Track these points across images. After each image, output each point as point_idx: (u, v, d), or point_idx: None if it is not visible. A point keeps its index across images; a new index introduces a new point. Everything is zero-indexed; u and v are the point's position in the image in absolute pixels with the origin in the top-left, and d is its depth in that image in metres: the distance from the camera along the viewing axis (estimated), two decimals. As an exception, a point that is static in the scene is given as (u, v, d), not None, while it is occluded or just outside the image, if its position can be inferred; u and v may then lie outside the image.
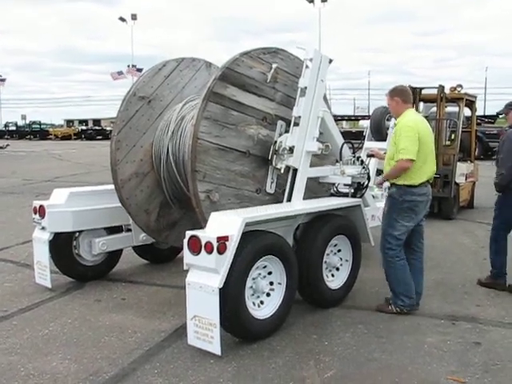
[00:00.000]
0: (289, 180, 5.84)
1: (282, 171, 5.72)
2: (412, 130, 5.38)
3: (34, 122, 71.26)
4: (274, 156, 5.68)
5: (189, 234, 4.57)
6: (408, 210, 5.53)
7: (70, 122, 79.64)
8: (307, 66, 5.85)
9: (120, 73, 62.14)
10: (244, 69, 5.48)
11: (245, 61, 5.49)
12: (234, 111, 5.42)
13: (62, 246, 6.47)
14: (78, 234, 6.60)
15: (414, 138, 5.34)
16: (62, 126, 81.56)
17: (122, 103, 6.17)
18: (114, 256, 6.98)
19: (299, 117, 5.75)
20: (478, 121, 26.16)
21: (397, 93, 5.68)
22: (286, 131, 5.85)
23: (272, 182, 5.82)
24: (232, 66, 5.39)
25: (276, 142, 5.73)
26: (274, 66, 5.76)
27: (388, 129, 7.61)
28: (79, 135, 65.57)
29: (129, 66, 63.91)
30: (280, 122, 5.89)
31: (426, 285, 6.43)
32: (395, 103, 5.68)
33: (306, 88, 5.80)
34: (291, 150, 5.72)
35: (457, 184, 11.29)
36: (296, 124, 5.77)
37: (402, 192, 5.52)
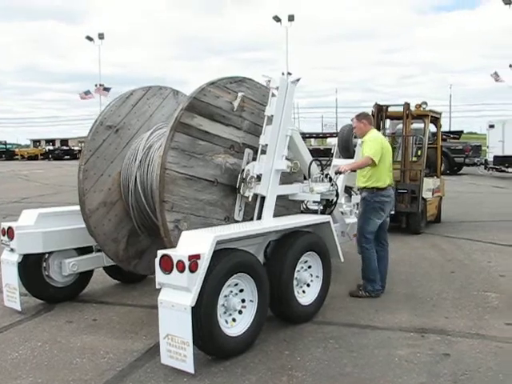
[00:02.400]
0: (257, 207, 5.89)
1: (250, 199, 5.76)
2: (377, 142, 6.70)
3: (0, 142, 70.24)
4: (242, 184, 5.72)
5: (160, 252, 4.58)
6: (378, 209, 6.71)
7: (36, 142, 78.79)
8: (273, 95, 5.94)
9: (87, 92, 61.71)
10: (211, 98, 5.53)
11: (211, 90, 5.53)
12: (202, 141, 5.46)
13: (32, 268, 6.39)
14: (47, 255, 6.52)
15: (378, 147, 6.62)
16: (28, 146, 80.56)
17: (89, 133, 6.16)
18: (84, 277, 6.92)
19: (266, 145, 5.83)
20: (444, 137, 26.67)
21: (363, 117, 6.95)
22: (254, 159, 5.91)
23: (240, 210, 5.86)
24: (199, 95, 5.42)
25: (243, 170, 5.77)
26: (240, 94, 5.82)
27: (355, 146, 7.74)
28: (46, 155, 64.85)
29: (96, 85, 63.48)
30: (247, 150, 5.94)
31: (395, 299, 6.68)
32: (363, 125, 6.88)
33: (272, 116, 5.88)
34: (259, 177, 5.77)
35: (424, 199, 11.50)
36: (263, 152, 5.85)
37: (372, 194, 6.70)
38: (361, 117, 6.93)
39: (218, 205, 5.61)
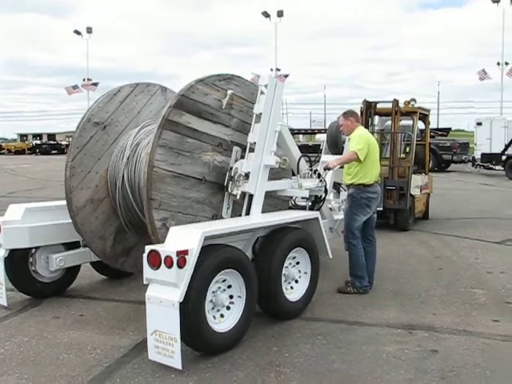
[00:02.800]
0: (245, 205, 5.89)
1: (238, 197, 5.76)
2: (363, 138, 6.72)
3: (-14, 137, 69.63)
4: (230, 182, 5.73)
5: (148, 248, 4.56)
6: (364, 205, 6.73)
7: (23, 137, 78.10)
8: (262, 92, 5.94)
9: (75, 87, 61.30)
10: (199, 96, 5.52)
11: (200, 88, 5.53)
12: (190, 138, 5.45)
13: (18, 263, 6.33)
14: (34, 250, 6.47)
15: (364, 143, 6.64)
16: (15, 140, 79.90)
17: (77, 130, 6.12)
18: (71, 272, 6.87)
19: (254, 143, 5.82)
20: (432, 134, 26.80)
21: (350, 114, 6.99)
22: (242, 157, 5.91)
23: (228, 208, 5.86)
24: (187, 93, 5.41)
25: (232, 168, 5.78)
26: (229, 92, 5.82)
27: (344, 142, 7.75)
28: (33, 150, 64.35)
29: (84, 80, 63.10)
30: (235, 148, 5.94)
31: (383, 295, 6.70)
32: (350, 122, 6.90)
33: (261, 114, 5.87)
34: (247, 176, 5.76)
35: (412, 196, 11.52)
36: (251, 150, 5.83)
37: (359, 191, 6.71)
38: (347, 114, 6.98)
39: (205, 203, 5.61)
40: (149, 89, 6.78)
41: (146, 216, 5.15)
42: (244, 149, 5.92)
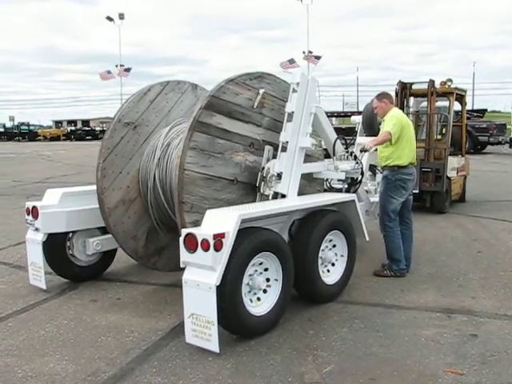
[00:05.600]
0: None
1: (270, 198, 5.69)
2: (396, 119, 6.67)
3: (23, 124, 70.86)
4: (262, 183, 5.66)
5: (185, 231, 4.57)
6: (399, 187, 6.68)
7: (58, 123, 79.36)
8: (294, 90, 5.82)
9: (109, 72, 61.70)
10: (230, 96, 5.47)
11: (230, 88, 5.47)
12: (221, 139, 5.40)
13: (56, 247, 6.41)
14: (71, 234, 6.54)
15: (397, 124, 6.60)
16: (50, 127, 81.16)
17: (107, 131, 6.12)
18: (108, 256, 6.92)
19: (287, 142, 5.73)
20: (467, 115, 26.28)
21: (384, 96, 6.95)
22: (274, 156, 5.83)
23: None
24: (218, 93, 5.36)
25: (264, 168, 5.71)
26: (261, 91, 5.75)
27: (380, 124, 7.63)
28: (68, 136, 65.33)
29: (117, 66, 63.49)
30: (267, 147, 5.87)
31: (420, 279, 6.65)
32: (384, 104, 6.86)
33: (293, 113, 5.77)
34: (279, 176, 5.69)
35: (448, 178, 11.34)
36: (283, 149, 5.75)
37: (393, 173, 6.69)
38: (381, 96, 6.93)
39: (237, 203, 5.54)
40: (179, 87, 6.73)
41: (177, 219, 5.15)
42: (276, 148, 5.84)
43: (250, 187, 5.70)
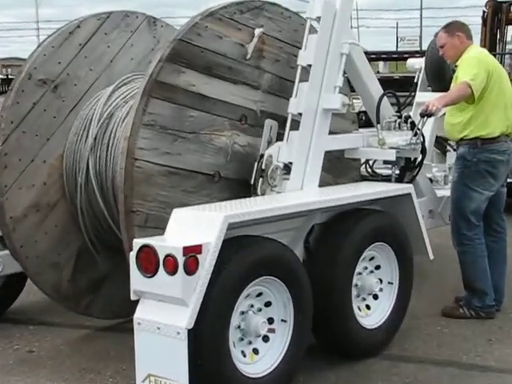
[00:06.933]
0: None
1: None
2: (479, 62, 4.99)
3: None
4: (260, 179, 4.43)
5: (139, 243, 3.57)
6: (485, 172, 5.06)
7: None
8: (313, 30, 4.62)
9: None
10: (208, 40, 4.24)
11: (209, 26, 4.22)
12: (194, 110, 4.22)
13: None
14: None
15: (481, 69, 4.89)
16: None
17: (9, 93, 4.77)
18: (15, 282, 5.41)
19: (299, 114, 4.55)
20: None
21: (458, 28, 5.16)
22: (279, 137, 4.62)
23: None
24: (189, 35, 4.12)
25: (263, 155, 4.49)
26: (258, 31, 4.48)
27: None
28: None
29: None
30: (269, 122, 4.62)
31: None
32: (458, 40, 5.09)
33: (310, 67, 4.55)
34: (287, 168, 4.54)
35: None
36: (295, 126, 4.57)
37: (475, 150, 5.02)
38: (452, 28, 5.20)
39: None
40: (127, 22, 5.18)
41: (123, 237, 3.98)
42: (283, 123, 4.55)
43: (241, 186, 4.49)
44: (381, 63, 26.68)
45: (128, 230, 3.87)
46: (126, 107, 4.65)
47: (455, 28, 5.19)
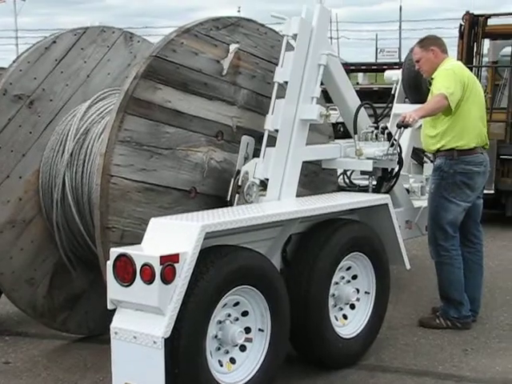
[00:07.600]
0: None
1: None
2: (455, 74, 5.03)
3: None
4: (236, 195, 4.45)
5: (116, 252, 3.61)
6: (462, 183, 5.14)
7: None
8: (289, 47, 4.63)
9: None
10: (184, 56, 4.24)
11: (185, 43, 4.23)
12: (170, 127, 4.23)
13: None
14: None
15: (456, 81, 4.95)
16: None
17: None
18: None
19: (276, 130, 4.55)
20: None
21: (432, 42, 5.24)
22: (256, 153, 4.63)
23: None
24: (165, 52, 4.14)
25: (239, 171, 4.50)
26: (234, 47, 4.51)
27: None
28: None
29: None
30: (245, 139, 4.63)
31: (495, 333, 5.23)
32: (433, 55, 5.18)
33: (286, 84, 4.57)
34: (263, 184, 4.52)
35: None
36: (271, 142, 4.56)
37: (452, 161, 5.10)
38: (427, 43, 5.22)
39: None
40: (104, 37, 5.24)
41: (99, 253, 4.00)
42: (259, 139, 4.56)
43: (217, 202, 4.48)
44: (360, 74, 27.01)
45: (104, 246, 3.91)
46: (102, 123, 4.67)
47: (429, 43, 5.23)
